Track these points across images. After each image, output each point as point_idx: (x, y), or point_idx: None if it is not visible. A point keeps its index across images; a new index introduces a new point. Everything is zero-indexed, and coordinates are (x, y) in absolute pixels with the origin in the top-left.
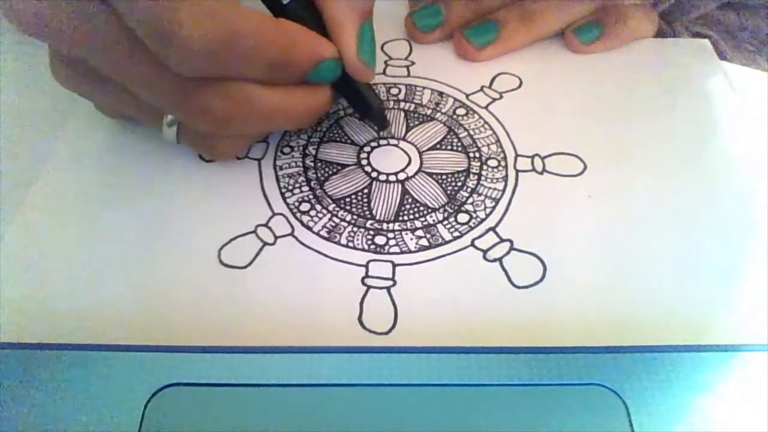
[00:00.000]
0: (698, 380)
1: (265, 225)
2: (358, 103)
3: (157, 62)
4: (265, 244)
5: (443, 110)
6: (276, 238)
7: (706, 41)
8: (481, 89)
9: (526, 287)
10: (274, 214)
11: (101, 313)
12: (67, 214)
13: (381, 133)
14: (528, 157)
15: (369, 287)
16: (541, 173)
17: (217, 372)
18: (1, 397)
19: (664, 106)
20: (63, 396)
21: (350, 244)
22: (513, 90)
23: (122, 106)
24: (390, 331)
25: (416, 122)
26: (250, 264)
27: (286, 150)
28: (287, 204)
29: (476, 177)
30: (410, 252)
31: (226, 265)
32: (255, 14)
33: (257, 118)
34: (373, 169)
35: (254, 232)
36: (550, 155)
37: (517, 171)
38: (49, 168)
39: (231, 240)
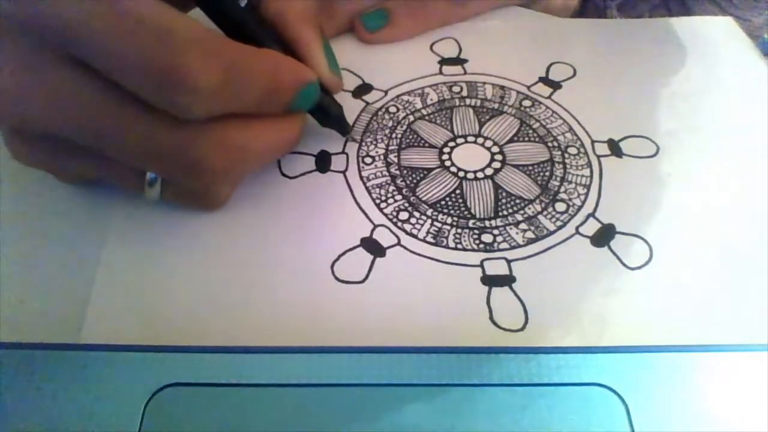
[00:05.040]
0: (698, 380)
1: (369, 237)
2: (318, 112)
3: (148, 122)
4: (376, 256)
5: (509, 103)
6: (384, 249)
7: (730, 19)
8: (539, 80)
9: (638, 268)
10: (376, 226)
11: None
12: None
13: (348, 137)
14: (603, 142)
15: (491, 286)
16: (620, 157)
17: (217, 372)
18: (1, 397)
19: (700, 82)
20: (63, 396)
21: (459, 246)
22: (569, 79)
23: (97, 173)
24: (524, 327)
25: (487, 117)
26: (366, 278)
27: (368, 160)
28: (385, 215)
29: (561, 165)
30: (519, 246)
31: (342, 281)
32: (243, 46)
33: (252, 161)
34: (459, 169)
35: (360, 245)
36: (623, 139)
37: (598, 156)
38: None
39: (341, 255)
